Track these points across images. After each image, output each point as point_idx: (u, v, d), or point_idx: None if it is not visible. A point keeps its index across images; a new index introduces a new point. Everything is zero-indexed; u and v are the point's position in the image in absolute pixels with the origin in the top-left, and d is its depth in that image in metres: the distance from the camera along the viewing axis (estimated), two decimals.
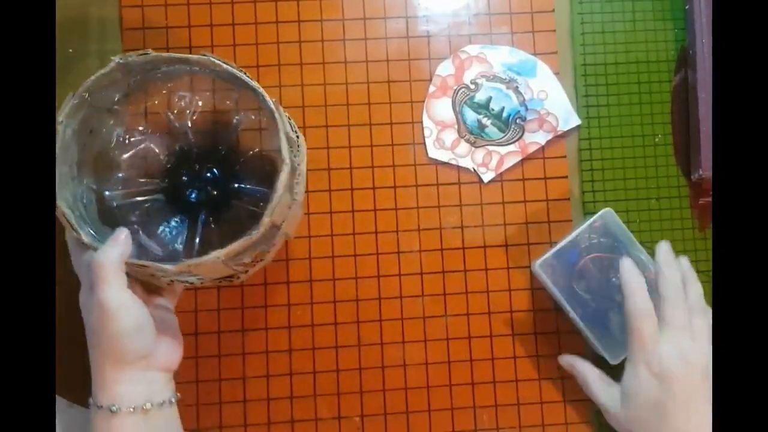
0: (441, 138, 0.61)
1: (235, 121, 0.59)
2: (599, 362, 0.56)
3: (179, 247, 0.57)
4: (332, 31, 0.63)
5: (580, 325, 0.57)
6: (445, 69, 0.62)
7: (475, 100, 0.61)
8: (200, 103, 0.59)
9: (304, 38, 0.63)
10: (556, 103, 0.61)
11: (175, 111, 0.59)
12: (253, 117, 0.59)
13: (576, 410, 0.59)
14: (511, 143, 0.61)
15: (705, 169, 0.59)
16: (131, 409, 0.40)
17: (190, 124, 0.59)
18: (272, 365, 0.59)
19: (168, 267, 0.45)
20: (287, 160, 0.47)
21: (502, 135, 0.61)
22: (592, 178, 0.62)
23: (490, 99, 0.61)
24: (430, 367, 0.60)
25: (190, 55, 0.49)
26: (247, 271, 0.53)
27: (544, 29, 0.64)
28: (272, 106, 0.48)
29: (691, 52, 0.62)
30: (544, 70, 0.62)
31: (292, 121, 0.55)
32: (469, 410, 0.59)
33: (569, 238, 0.57)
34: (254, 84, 0.48)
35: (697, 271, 0.54)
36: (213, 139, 0.59)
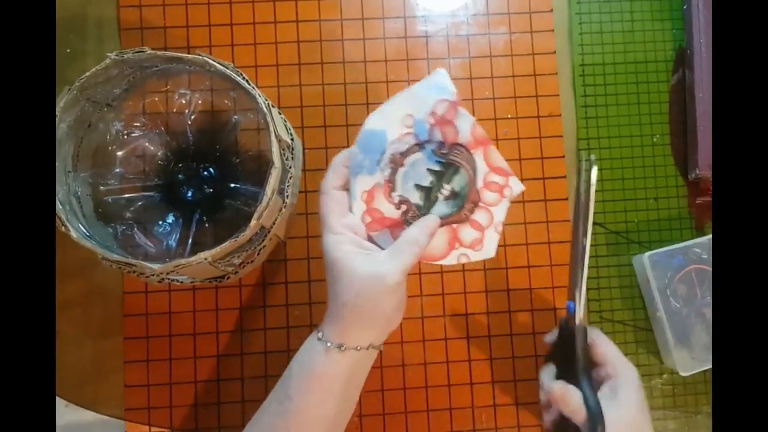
0: None
1: (233, 120, 0.59)
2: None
3: (173, 244, 0.57)
4: (330, 31, 0.63)
5: (665, 328, 0.57)
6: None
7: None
8: (199, 102, 0.59)
9: (302, 38, 0.63)
10: None
11: (174, 109, 0.59)
12: (251, 117, 0.59)
13: None
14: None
15: (702, 169, 0.59)
16: (356, 348, 0.44)
17: (188, 123, 0.59)
18: (271, 365, 0.59)
19: (155, 267, 0.45)
20: (277, 163, 0.47)
21: None
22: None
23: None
24: (429, 367, 0.60)
25: (185, 54, 0.49)
26: (237, 272, 0.53)
27: (542, 29, 0.64)
28: (264, 108, 0.48)
29: (688, 51, 0.62)
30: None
31: (288, 123, 0.55)
32: (467, 410, 0.59)
33: (681, 244, 0.58)
34: (248, 85, 0.48)
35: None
36: (211, 138, 0.59)
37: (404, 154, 0.46)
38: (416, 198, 0.47)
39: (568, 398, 0.48)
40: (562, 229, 0.61)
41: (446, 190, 0.47)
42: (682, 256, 0.58)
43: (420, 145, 0.46)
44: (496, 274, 0.61)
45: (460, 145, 0.47)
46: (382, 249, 0.45)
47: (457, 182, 0.47)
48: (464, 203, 0.47)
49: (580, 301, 0.50)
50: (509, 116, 0.63)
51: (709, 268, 0.58)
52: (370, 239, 0.46)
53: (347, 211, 0.46)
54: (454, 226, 0.48)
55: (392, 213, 0.46)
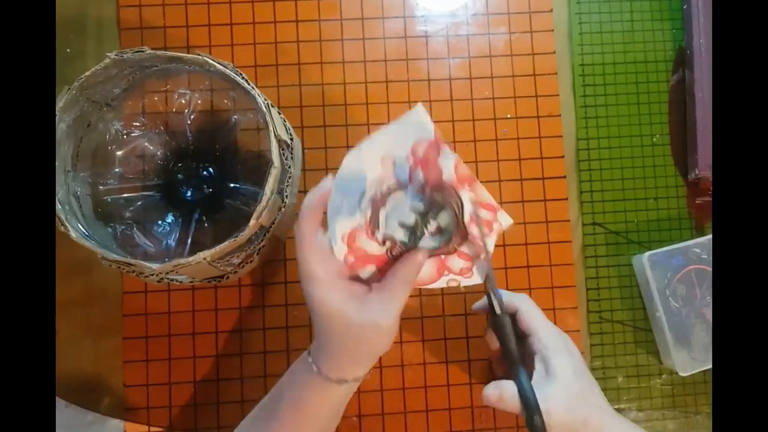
0: None
1: (233, 120, 0.59)
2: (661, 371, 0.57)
3: (172, 244, 0.57)
4: (330, 31, 0.63)
5: (665, 328, 0.57)
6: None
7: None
8: (199, 102, 0.59)
9: (302, 38, 0.63)
10: None
11: (174, 109, 0.59)
12: (251, 117, 0.59)
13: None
14: None
15: (702, 169, 0.59)
16: (347, 381, 0.44)
17: (188, 123, 0.59)
18: (270, 365, 0.59)
19: (154, 266, 0.45)
20: (276, 163, 0.47)
21: None
22: (590, 177, 0.62)
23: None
24: (428, 367, 0.60)
25: (184, 54, 0.49)
26: (236, 272, 0.53)
27: (542, 29, 0.64)
28: (264, 107, 0.48)
29: (688, 51, 0.62)
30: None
31: (287, 123, 0.55)
32: (466, 410, 0.59)
33: (681, 244, 0.58)
34: (247, 84, 0.48)
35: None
36: (210, 138, 0.59)
37: (385, 195, 0.44)
38: (401, 235, 0.45)
39: (504, 398, 0.48)
40: (562, 229, 0.61)
41: (432, 226, 0.46)
42: (682, 256, 0.58)
43: (401, 186, 0.45)
44: (495, 274, 0.61)
45: (444, 183, 0.45)
46: (369, 285, 0.44)
47: (443, 219, 0.46)
48: (452, 237, 0.46)
49: (493, 289, 0.49)
50: (509, 116, 0.63)
51: (709, 269, 0.58)
52: (356, 277, 0.45)
53: (329, 255, 0.44)
54: (443, 256, 0.47)
55: (376, 250, 0.45)
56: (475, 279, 0.48)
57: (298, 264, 0.42)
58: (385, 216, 0.45)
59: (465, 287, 0.48)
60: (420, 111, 0.43)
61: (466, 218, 0.45)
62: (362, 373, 0.45)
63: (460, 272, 0.48)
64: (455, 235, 0.46)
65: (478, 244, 0.47)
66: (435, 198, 0.45)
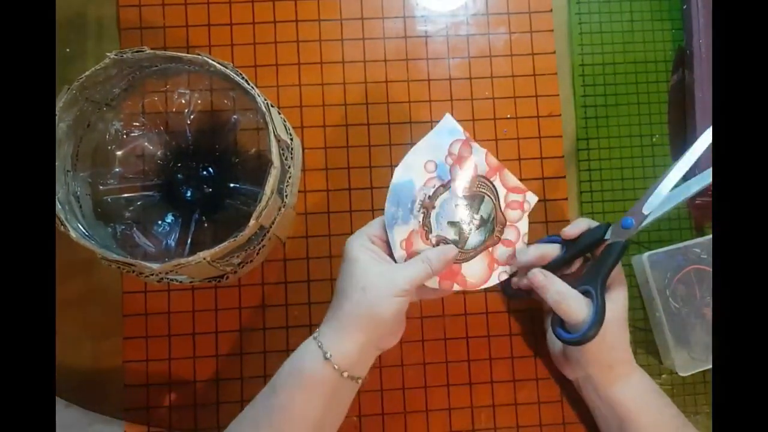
0: None
1: (232, 120, 0.59)
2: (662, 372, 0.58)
3: (172, 244, 0.57)
4: (330, 31, 0.63)
5: (665, 328, 0.57)
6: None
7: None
8: (199, 102, 0.59)
9: (301, 38, 0.63)
10: None
11: (173, 109, 0.59)
12: (251, 117, 0.59)
13: (574, 410, 0.59)
14: None
15: (702, 169, 0.59)
16: (349, 376, 0.46)
17: (188, 122, 0.59)
18: (270, 365, 0.59)
19: (154, 266, 0.45)
20: (276, 163, 0.47)
21: None
22: (589, 177, 0.62)
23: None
24: (428, 367, 0.60)
25: (184, 54, 0.49)
26: (236, 272, 0.53)
27: (542, 29, 0.64)
28: (264, 107, 0.48)
29: (688, 52, 0.62)
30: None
31: (287, 123, 0.55)
32: (466, 410, 0.59)
33: (681, 244, 0.58)
34: (247, 84, 0.48)
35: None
36: (210, 138, 0.59)
37: (433, 197, 0.51)
38: (451, 234, 0.51)
39: (548, 285, 0.50)
40: (562, 229, 0.61)
41: (476, 219, 0.52)
42: (682, 256, 0.58)
43: (445, 186, 0.51)
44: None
45: (480, 175, 0.52)
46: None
47: (484, 209, 0.52)
48: (494, 227, 0.53)
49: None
50: (509, 116, 0.63)
51: (709, 269, 0.58)
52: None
53: (384, 236, 0.50)
54: (490, 249, 0.53)
55: None
56: (520, 257, 0.53)
57: (353, 266, 0.47)
58: (435, 217, 0.51)
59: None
60: (449, 118, 0.52)
61: (502, 204, 0.53)
62: (357, 343, 0.45)
63: (506, 261, 0.54)
64: (497, 223, 0.53)
65: (516, 228, 0.53)
66: (473, 190, 0.52)
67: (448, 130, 0.52)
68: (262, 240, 0.50)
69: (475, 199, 0.52)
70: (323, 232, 0.61)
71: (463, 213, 0.52)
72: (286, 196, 0.50)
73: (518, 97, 0.63)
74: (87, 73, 0.48)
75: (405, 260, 0.49)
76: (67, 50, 0.61)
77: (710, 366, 0.57)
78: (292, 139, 0.52)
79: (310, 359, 0.45)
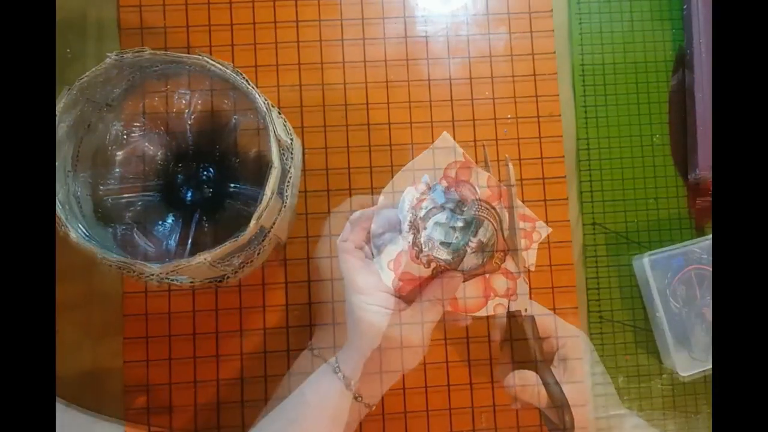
0: None
1: (233, 121, 0.59)
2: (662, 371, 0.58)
3: (172, 245, 0.57)
4: (330, 32, 0.63)
5: (665, 329, 0.57)
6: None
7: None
8: (199, 103, 0.59)
9: (302, 39, 0.63)
10: None
11: (174, 110, 0.59)
12: (251, 118, 0.59)
13: (574, 412, 0.59)
14: None
15: (702, 169, 0.59)
16: (363, 399, 0.47)
17: (188, 123, 0.59)
18: (270, 366, 0.59)
19: (155, 267, 0.45)
20: (276, 164, 0.47)
21: None
22: (590, 178, 0.62)
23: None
24: (428, 368, 0.60)
25: (184, 55, 0.49)
26: (236, 273, 0.53)
27: (542, 30, 0.64)
28: (264, 108, 0.48)
29: (688, 52, 0.62)
30: None
31: (287, 124, 0.55)
32: (467, 411, 0.59)
33: (682, 245, 0.58)
34: (247, 85, 0.48)
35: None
36: (211, 139, 0.59)
37: (424, 218, 0.49)
38: (444, 254, 0.49)
39: (526, 387, 0.49)
40: (562, 230, 0.61)
41: (473, 242, 0.49)
42: (682, 257, 0.58)
43: (437, 208, 0.49)
44: (494, 276, 0.60)
45: (480, 199, 0.50)
46: (409, 303, 0.47)
47: (483, 234, 0.50)
48: (494, 252, 0.50)
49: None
50: (509, 117, 0.63)
51: (709, 269, 0.58)
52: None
53: (372, 269, 0.48)
54: (487, 276, 0.50)
55: (422, 271, 0.49)
56: (521, 302, 0.50)
57: (344, 276, 0.46)
58: (426, 237, 0.48)
59: (525, 311, 0.50)
60: (446, 137, 0.49)
61: (506, 232, 0.49)
62: (378, 389, 0.47)
63: (506, 293, 0.50)
64: (497, 249, 0.49)
65: (522, 257, 0.50)
66: (472, 214, 0.49)
67: (443, 149, 0.49)
68: (262, 241, 0.50)
69: (472, 222, 0.50)
70: (324, 233, 0.61)
71: (458, 235, 0.50)
72: (287, 197, 0.50)
73: (518, 97, 0.63)
74: (87, 74, 0.48)
75: (393, 279, 0.48)
76: (68, 51, 0.62)
77: (710, 366, 0.57)
78: (292, 140, 0.52)
79: (340, 402, 0.46)
